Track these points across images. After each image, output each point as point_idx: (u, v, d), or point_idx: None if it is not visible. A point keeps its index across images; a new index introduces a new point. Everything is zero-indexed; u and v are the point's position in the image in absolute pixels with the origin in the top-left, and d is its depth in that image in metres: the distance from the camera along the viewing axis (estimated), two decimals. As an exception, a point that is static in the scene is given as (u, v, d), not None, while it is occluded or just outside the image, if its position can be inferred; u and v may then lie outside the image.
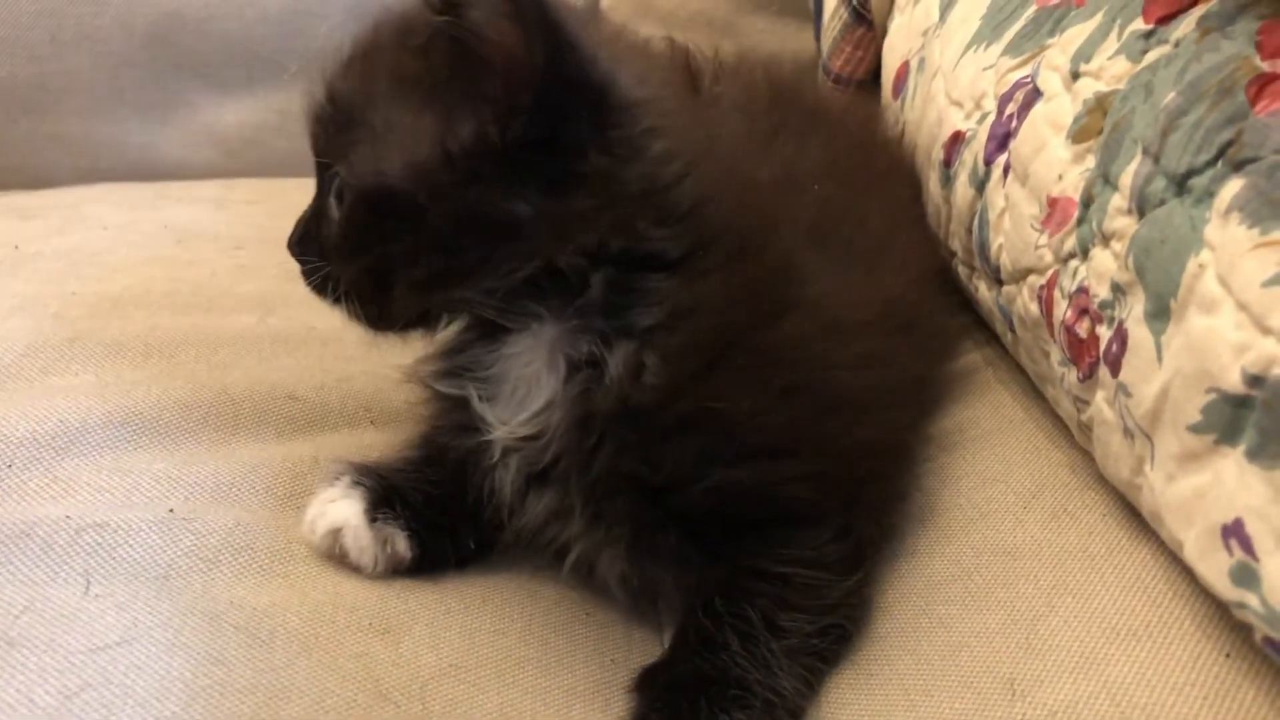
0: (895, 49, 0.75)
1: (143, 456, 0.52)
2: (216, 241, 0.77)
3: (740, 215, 0.49)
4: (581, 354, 0.48)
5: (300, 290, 0.67)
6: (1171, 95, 0.44)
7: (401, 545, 0.49)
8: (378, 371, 0.63)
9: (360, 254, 0.48)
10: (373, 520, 0.49)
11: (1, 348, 0.59)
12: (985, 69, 0.59)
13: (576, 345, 0.48)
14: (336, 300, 0.50)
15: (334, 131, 0.49)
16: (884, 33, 0.80)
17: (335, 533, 0.49)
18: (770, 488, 0.49)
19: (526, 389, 0.49)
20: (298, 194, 0.92)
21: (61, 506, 0.49)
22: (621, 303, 0.47)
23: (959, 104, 0.62)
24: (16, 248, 0.72)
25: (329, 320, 0.66)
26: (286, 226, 0.82)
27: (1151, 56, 0.47)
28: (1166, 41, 0.47)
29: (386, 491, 0.50)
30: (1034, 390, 0.57)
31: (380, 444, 0.58)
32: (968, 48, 0.63)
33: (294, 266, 0.74)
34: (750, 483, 0.48)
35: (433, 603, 0.49)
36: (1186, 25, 0.47)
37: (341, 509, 0.49)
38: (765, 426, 0.48)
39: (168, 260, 0.73)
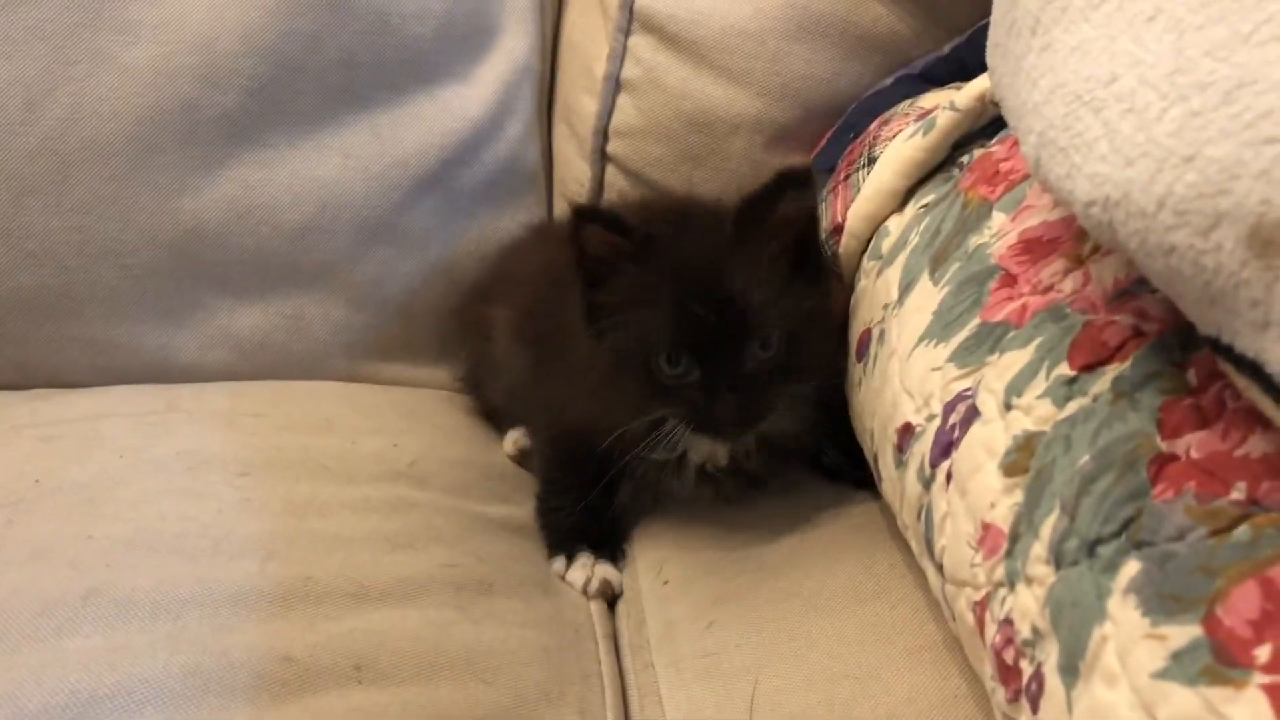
0: (860, 314, 0.81)
1: (150, 728, 0.57)
2: (224, 469, 0.82)
3: None
4: None
5: (300, 531, 0.73)
6: (1086, 458, 0.49)
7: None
8: (368, 628, 0.68)
9: None
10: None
11: (19, 603, 0.64)
12: (934, 370, 0.65)
13: None
14: None
15: None
16: (851, 289, 0.86)
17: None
18: None
19: None
20: (301, 403, 0.98)
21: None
22: None
23: (910, 395, 0.67)
24: (37, 481, 0.77)
25: (325, 568, 0.72)
26: (289, 446, 0.88)
27: (1072, 407, 0.53)
28: (1086, 394, 0.52)
29: None
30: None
31: (367, 704, 0.63)
32: (920, 340, 0.68)
33: (299, 500, 0.79)
34: None
35: None
36: (1104, 382, 0.52)
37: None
38: None
39: (179, 494, 0.77)
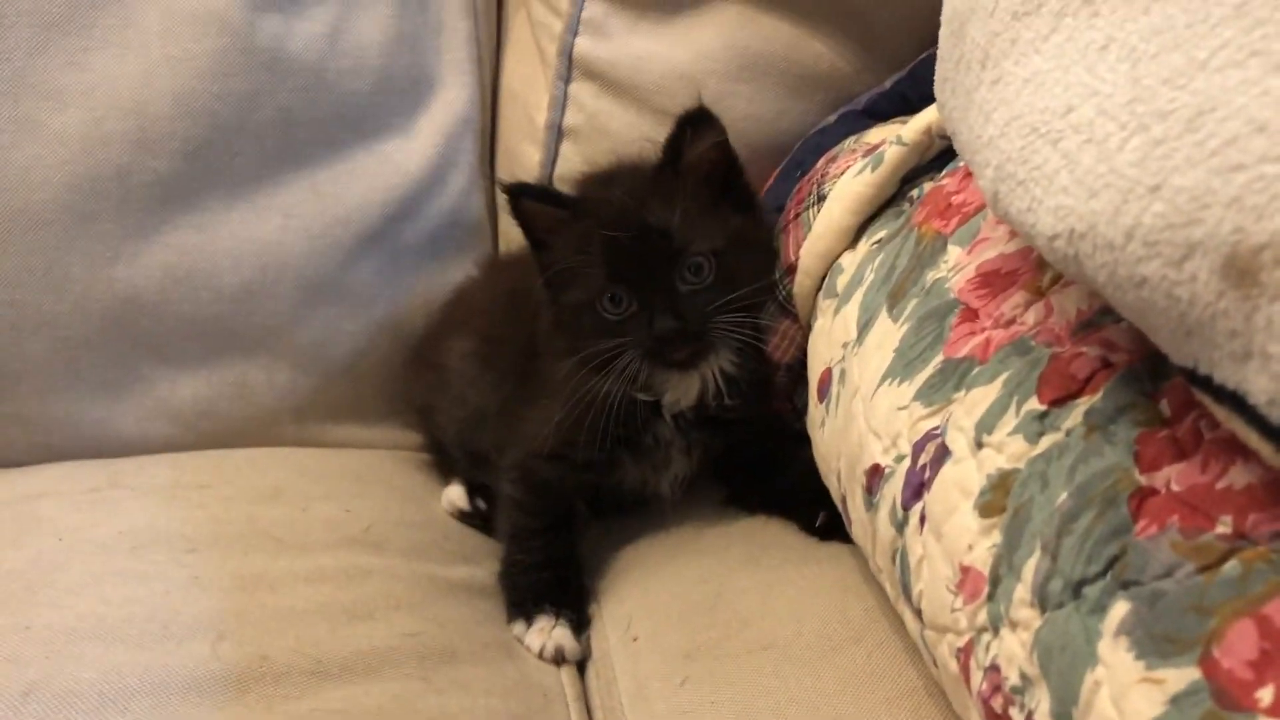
0: (819, 353, 0.80)
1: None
2: (170, 546, 0.79)
3: None
4: None
5: (252, 608, 0.70)
6: (1064, 496, 0.48)
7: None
8: (329, 707, 0.65)
9: None
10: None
11: (-47, 705, 0.60)
12: (899, 409, 0.64)
13: None
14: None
15: None
16: (809, 329, 0.85)
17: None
18: None
19: None
20: (247, 471, 0.95)
21: None
22: None
23: (877, 435, 0.66)
24: (-29, 569, 0.73)
25: (280, 645, 0.69)
26: (236, 518, 0.85)
27: (1046, 442, 0.51)
28: (1059, 429, 0.51)
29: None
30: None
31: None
32: (883, 378, 0.67)
33: (250, 575, 0.76)
34: None
35: None
36: (1075, 415, 0.51)
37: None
38: None
39: (123, 575, 0.74)
